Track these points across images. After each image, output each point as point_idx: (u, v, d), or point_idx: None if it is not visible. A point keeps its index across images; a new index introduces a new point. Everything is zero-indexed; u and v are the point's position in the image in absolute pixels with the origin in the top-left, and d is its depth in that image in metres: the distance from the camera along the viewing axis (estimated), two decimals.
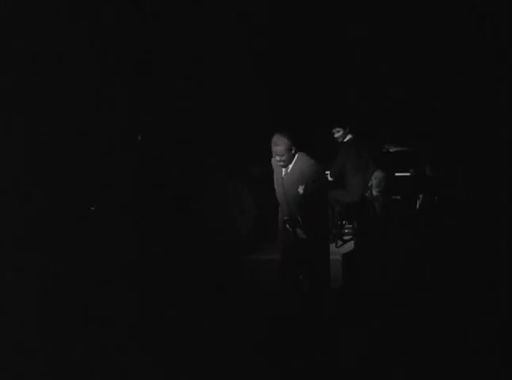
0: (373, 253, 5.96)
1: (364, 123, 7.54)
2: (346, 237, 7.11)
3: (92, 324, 4.84)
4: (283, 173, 5.01)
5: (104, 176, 6.11)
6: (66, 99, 5.82)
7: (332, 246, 6.71)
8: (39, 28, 5.56)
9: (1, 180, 5.24)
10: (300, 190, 4.86)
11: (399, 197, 6.64)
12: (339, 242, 6.95)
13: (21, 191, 5.38)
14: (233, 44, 7.52)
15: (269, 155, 5.07)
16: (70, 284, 5.26)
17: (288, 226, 5.00)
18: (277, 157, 4.89)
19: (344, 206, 6.86)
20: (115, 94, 6.36)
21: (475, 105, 7.01)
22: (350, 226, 7.26)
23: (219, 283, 5.76)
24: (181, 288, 5.57)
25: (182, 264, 5.98)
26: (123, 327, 4.86)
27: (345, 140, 6.89)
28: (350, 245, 6.77)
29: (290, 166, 4.94)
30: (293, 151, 4.88)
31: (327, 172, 7.03)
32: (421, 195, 6.86)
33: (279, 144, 4.83)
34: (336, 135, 6.92)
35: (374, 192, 6.24)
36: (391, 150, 7.59)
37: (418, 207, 6.81)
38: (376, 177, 6.23)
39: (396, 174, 7.09)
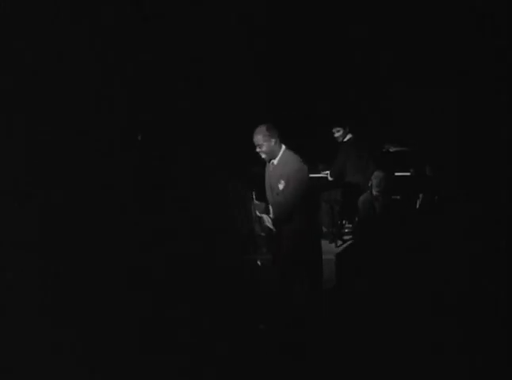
0: (370, 253, 5.95)
1: (364, 123, 7.55)
2: (346, 237, 7.11)
3: (92, 325, 4.84)
4: (270, 168, 4.96)
5: (104, 176, 6.10)
6: (67, 99, 5.81)
7: (332, 246, 6.72)
8: (39, 28, 5.55)
9: (1, 180, 5.23)
10: (281, 186, 4.79)
11: (399, 197, 6.65)
12: (339, 242, 6.95)
13: (21, 191, 5.37)
14: (233, 44, 7.53)
15: None
16: (70, 284, 5.26)
17: (261, 221, 4.99)
18: (257, 148, 4.82)
19: (344, 206, 6.87)
20: (115, 94, 6.35)
21: (475, 105, 7.01)
22: (350, 225, 7.27)
23: (219, 283, 5.76)
24: (181, 288, 5.57)
25: (182, 264, 5.98)
26: (123, 327, 4.87)
27: (345, 140, 6.90)
28: (348, 245, 6.77)
29: (275, 162, 4.87)
30: (273, 142, 4.77)
31: (327, 172, 7.05)
32: (421, 195, 6.87)
33: (256, 132, 4.78)
34: (336, 135, 6.93)
35: (374, 192, 6.24)
36: (391, 150, 7.61)
37: (418, 206, 6.82)
38: (376, 177, 6.23)
39: (396, 174, 7.10)
